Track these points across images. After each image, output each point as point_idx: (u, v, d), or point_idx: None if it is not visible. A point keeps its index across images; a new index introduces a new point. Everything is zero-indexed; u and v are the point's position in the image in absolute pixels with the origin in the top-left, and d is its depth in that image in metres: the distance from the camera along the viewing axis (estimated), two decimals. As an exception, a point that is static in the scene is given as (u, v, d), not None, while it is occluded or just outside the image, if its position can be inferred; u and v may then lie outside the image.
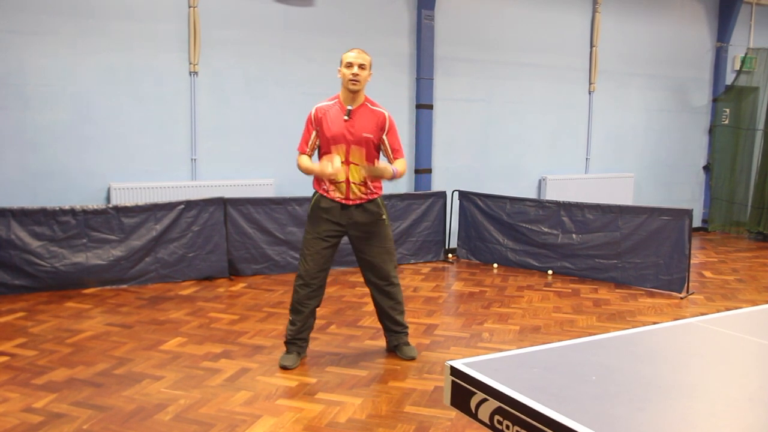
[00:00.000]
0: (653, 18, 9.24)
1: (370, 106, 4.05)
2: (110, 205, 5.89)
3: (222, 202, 6.31)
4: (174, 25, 6.33)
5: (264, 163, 6.87)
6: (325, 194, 4.04)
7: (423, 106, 7.56)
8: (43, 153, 5.93)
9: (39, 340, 4.45)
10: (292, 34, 6.88)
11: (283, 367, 4.06)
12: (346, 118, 3.95)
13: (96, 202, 6.08)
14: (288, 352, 4.17)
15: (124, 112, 6.21)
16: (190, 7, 6.34)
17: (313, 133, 4.03)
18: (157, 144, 6.37)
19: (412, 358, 4.25)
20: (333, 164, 3.76)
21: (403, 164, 4.07)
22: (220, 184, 6.55)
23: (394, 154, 4.12)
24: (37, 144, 5.90)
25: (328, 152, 3.97)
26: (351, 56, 3.93)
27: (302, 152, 4.09)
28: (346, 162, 3.97)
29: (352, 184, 4.00)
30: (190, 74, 6.44)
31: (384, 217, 4.12)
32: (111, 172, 6.19)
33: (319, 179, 4.07)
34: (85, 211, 5.78)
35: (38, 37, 5.82)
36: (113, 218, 5.88)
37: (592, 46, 8.74)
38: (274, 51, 6.82)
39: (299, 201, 6.63)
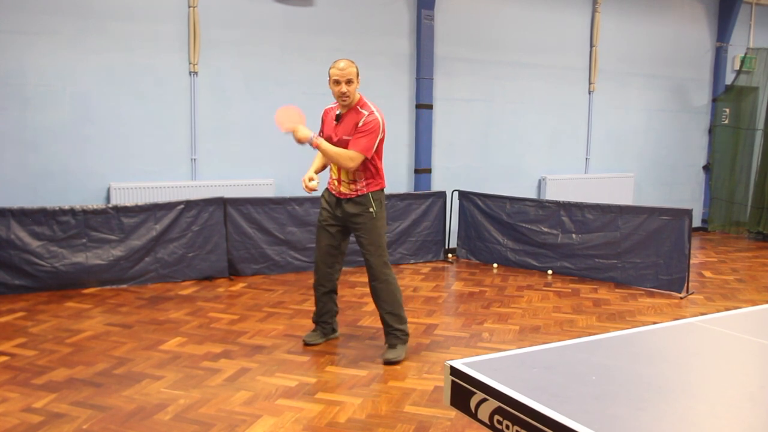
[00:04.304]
0: (653, 18, 9.24)
1: (359, 109, 4.14)
2: (110, 205, 5.89)
3: (222, 202, 6.31)
4: (174, 25, 6.33)
5: (264, 163, 6.87)
6: (329, 188, 4.34)
7: (423, 106, 7.56)
8: (43, 153, 5.93)
9: (39, 340, 4.45)
10: (292, 34, 6.88)
11: (305, 343, 4.48)
12: (335, 122, 4.20)
13: (96, 202, 6.07)
14: (313, 330, 4.58)
15: (124, 112, 6.21)
16: (190, 7, 6.34)
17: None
18: (157, 144, 6.37)
19: (387, 362, 4.16)
20: (309, 184, 4.16)
21: (345, 151, 4.05)
22: (220, 184, 6.55)
23: (350, 146, 4.09)
24: (37, 144, 5.90)
25: None
26: (337, 73, 4.01)
27: None
28: None
29: (343, 182, 4.22)
30: (190, 74, 6.44)
31: (371, 210, 4.19)
32: (111, 172, 6.19)
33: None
34: (85, 211, 5.77)
35: (38, 37, 5.82)
36: (113, 218, 5.88)
37: (592, 46, 8.74)
38: (274, 51, 6.82)
39: (299, 201, 6.63)
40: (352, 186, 4.19)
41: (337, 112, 4.20)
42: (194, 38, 6.37)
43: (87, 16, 5.98)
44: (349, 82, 4.01)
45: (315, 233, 4.47)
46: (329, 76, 4.06)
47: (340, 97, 4.06)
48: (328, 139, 4.20)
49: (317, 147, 4.12)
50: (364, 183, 4.18)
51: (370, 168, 4.18)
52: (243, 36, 6.64)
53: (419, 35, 7.46)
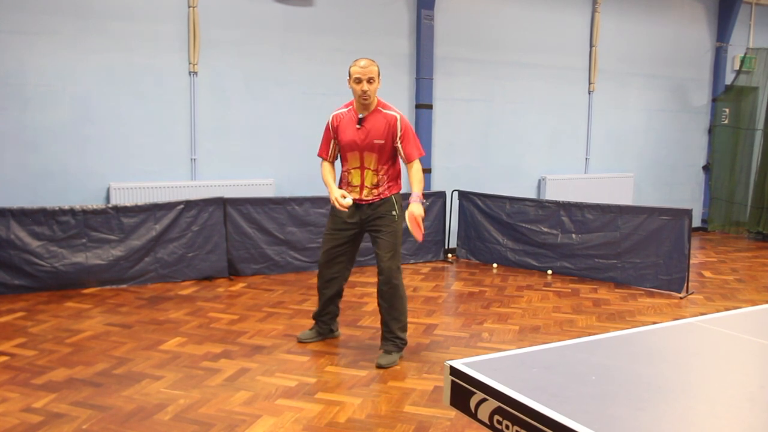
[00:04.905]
0: (653, 18, 9.24)
1: (382, 110, 4.09)
2: (110, 205, 5.89)
3: (222, 202, 6.31)
4: (174, 25, 6.33)
5: (264, 163, 6.87)
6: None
7: (423, 106, 7.56)
8: (43, 153, 5.92)
9: (39, 340, 4.45)
10: (292, 34, 6.87)
11: (299, 340, 4.51)
12: (357, 126, 4.07)
13: (96, 202, 6.07)
14: (310, 328, 4.59)
15: (124, 112, 6.21)
16: (190, 7, 6.34)
17: (332, 141, 4.23)
18: (157, 144, 6.37)
19: (379, 366, 4.11)
20: (343, 202, 3.97)
21: (417, 171, 4.13)
22: (219, 184, 6.55)
23: (408, 158, 4.14)
24: (37, 144, 5.90)
25: (345, 158, 4.19)
26: (359, 71, 3.95)
27: (323, 159, 4.30)
28: (361, 167, 4.15)
29: (366, 188, 4.16)
30: (190, 74, 6.44)
31: (394, 213, 4.17)
32: (111, 172, 6.19)
33: (341, 179, 4.27)
34: (84, 211, 5.77)
35: (38, 37, 5.82)
36: (113, 218, 5.88)
37: (591, 46, 8.74)
38: (274, 51, 6.82)
39: (299, 201, 6.63)
40: (375, 190, 4.15)
41: (360, 116, 4.07)
42: (194, 38, 6.37)
43: (87, 16, 5.98)
44: (370, 80, 3.95)
45: (323, 241, 4.35)
46: (349, 75, 3.98)
47: (362, 95, 3.97)
48: (353, 144, 4.09)
49: (423, 199, 4.10)
50: (386, 186, 4.17)
51: (396, 168, 4.20)
52: (243, 36, 6.64)
53: (419, 35, 7.46)
